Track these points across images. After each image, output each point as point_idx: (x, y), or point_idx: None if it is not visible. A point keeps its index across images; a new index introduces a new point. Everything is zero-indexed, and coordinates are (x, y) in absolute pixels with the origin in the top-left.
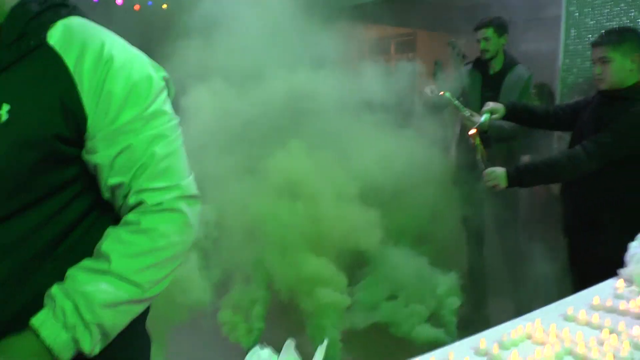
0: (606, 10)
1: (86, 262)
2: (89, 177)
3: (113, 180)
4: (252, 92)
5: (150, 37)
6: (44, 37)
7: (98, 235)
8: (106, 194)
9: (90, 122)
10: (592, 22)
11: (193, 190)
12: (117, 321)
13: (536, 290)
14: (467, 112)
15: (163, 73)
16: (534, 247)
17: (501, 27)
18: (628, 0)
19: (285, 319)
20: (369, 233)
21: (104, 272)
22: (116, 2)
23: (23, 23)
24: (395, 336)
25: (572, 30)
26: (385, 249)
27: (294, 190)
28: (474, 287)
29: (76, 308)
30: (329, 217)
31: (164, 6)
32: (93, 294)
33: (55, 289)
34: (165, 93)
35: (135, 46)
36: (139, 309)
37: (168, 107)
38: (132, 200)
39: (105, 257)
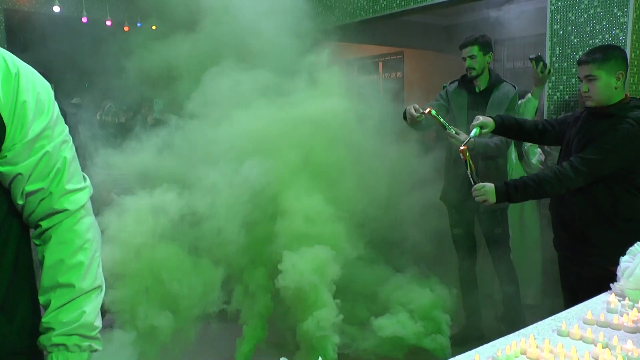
0: (589, 28)
1: (55, 302)
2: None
3: (32, 187)
4: (238, 115)
5: (142, 57)
6: None
7: (13, 247)
8: (20, 201)
9: (8, 134)
10: (576, 40)
11: (89, 187)
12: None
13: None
14: (452, 130)
15: None
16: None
17: (486, 45)
18: (610, 19)
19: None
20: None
21: (76, 297)
22: (106, 23)
23: None
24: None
25: (557, 48)
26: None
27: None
28: (467, 303)
29: (83, 336)
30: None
31: (154, 27)
32: (88, 318)
33: (56, 338)
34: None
35: (128, 66)
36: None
37: None
38: (58, 205)
39: (68, 286)
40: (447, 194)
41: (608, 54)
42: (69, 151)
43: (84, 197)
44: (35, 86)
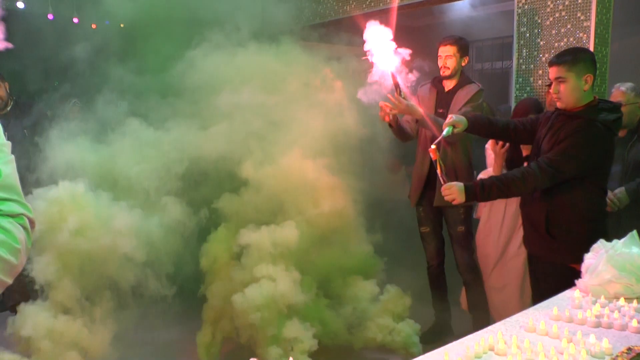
0: (554, 31)
1: None
2: None
3: None
4: (206, 113)
5: (107, 54)
6: None
7: None
8: None
9: None
10: (542, 42)
11: (31, 213)
12: None
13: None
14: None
15: None
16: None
17: (464, 48)
18: (574, 22)
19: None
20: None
21: None
22: (73, 20)
23: None
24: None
25: (524, 50)
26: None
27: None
28: (436, 301)
29: None
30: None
31: (122, 25)
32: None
33: None
34: None
35: (92, 63)
36: None
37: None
38: None
39: None
40: (414, 191)
41: (577, 57)
42: (5, 165)
43: (17, 208)
44: None
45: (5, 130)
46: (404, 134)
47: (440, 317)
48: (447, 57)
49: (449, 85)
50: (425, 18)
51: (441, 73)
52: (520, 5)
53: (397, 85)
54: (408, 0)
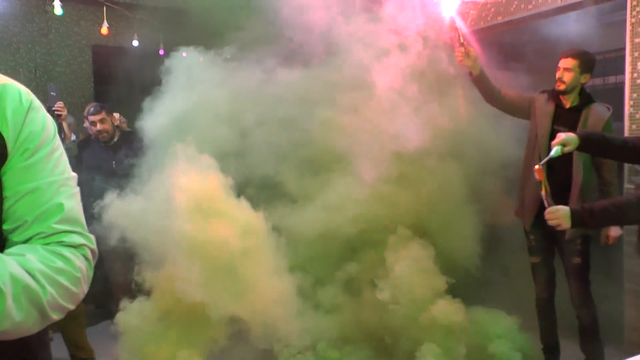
0: None
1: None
2: None
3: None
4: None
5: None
6: None
7: None
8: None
9: (8, 160)
10: None
11: (94, 245)
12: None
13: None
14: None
15: None
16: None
17: (586, 64)
18: None
19: None
20: None
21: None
22: (182, 54)
23: None
24: None
25: (639, 64)
26: None
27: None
28: (545, 337)
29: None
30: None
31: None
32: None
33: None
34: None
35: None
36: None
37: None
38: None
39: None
40: (528, 212)
41: None
42: (68, 199)
43: (79, 239)
44: (45, 118)
45: (112, 159)
46: (486, 88)
47: (549, 353)
48: (565, 70)
49: (569, 101)
50: (523, 34)
51: (556, 86)
52: (634, 14)
53: (456, 31)
54: (508, 17)
